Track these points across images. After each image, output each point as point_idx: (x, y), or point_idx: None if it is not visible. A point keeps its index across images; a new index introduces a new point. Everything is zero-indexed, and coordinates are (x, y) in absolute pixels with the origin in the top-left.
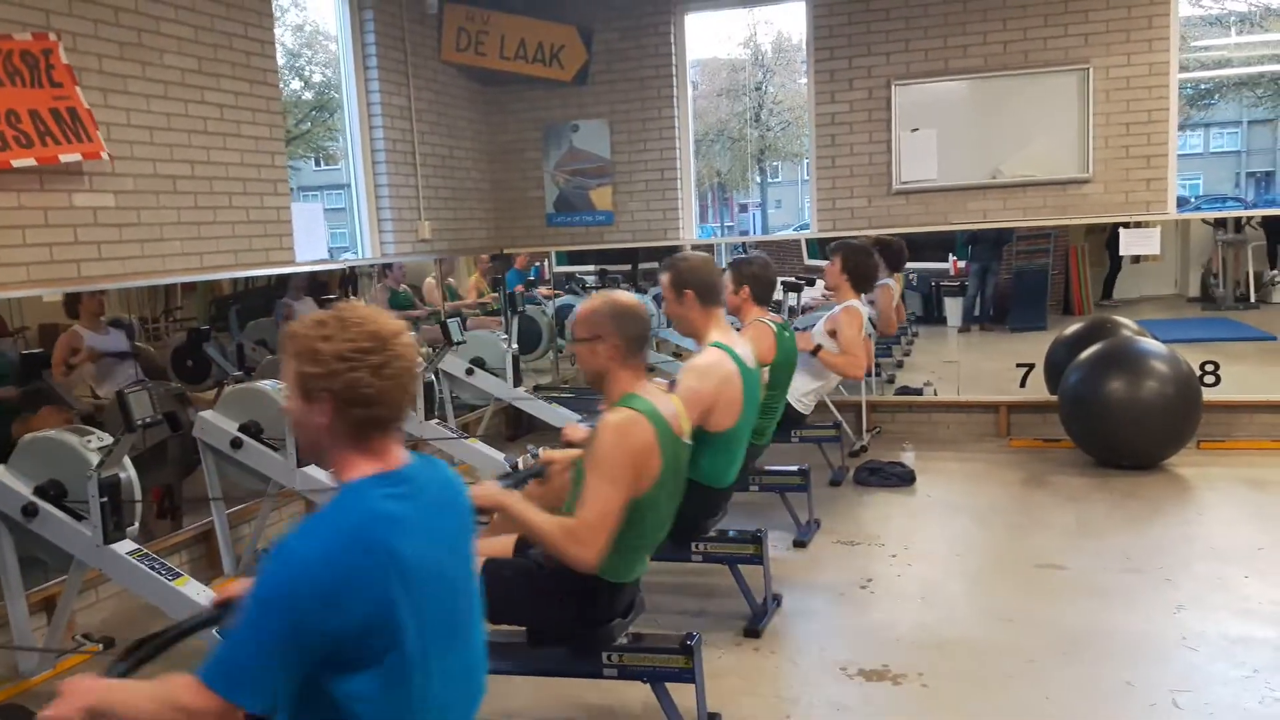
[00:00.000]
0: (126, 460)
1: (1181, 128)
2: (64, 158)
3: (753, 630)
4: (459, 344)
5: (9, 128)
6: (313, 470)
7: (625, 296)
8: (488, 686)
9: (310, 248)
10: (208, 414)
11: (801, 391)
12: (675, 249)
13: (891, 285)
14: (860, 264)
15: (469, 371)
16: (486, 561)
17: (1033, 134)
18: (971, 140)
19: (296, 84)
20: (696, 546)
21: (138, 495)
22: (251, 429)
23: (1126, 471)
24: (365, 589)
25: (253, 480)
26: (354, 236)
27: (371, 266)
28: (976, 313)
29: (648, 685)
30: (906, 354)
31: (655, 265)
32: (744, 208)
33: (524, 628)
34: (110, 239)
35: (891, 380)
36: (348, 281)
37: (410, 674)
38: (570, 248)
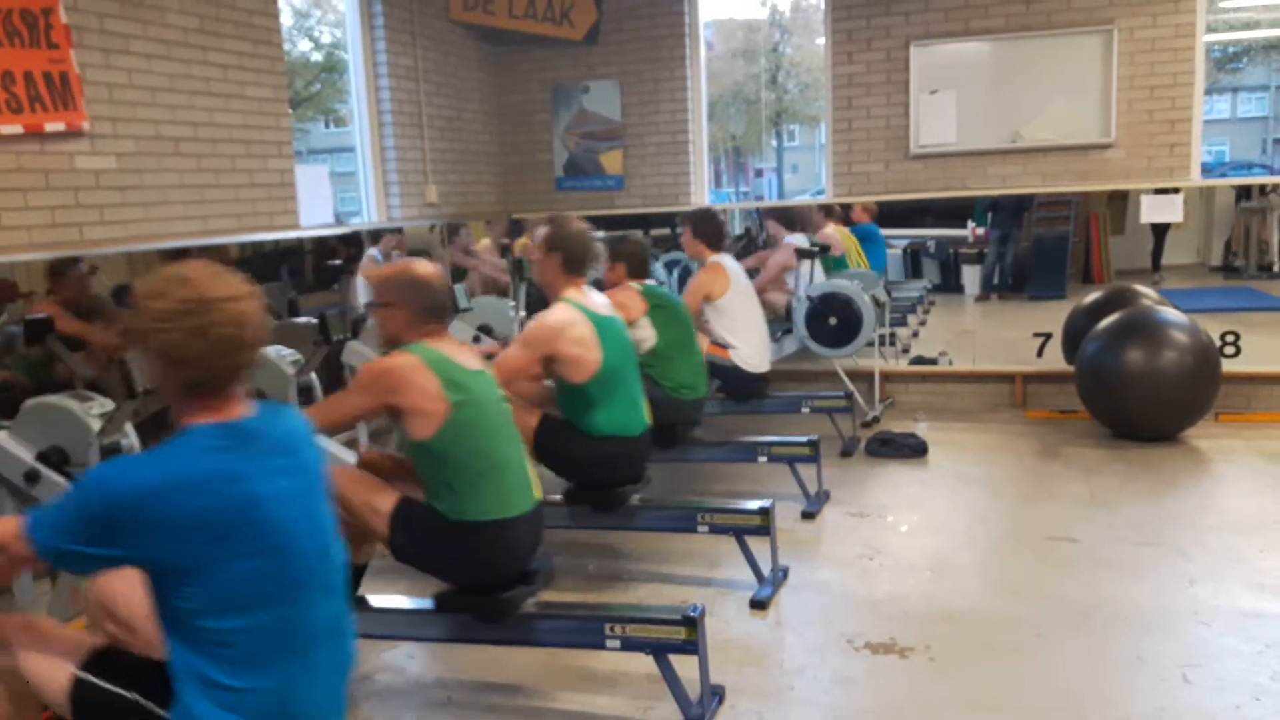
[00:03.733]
0: (129, 427)
1: (1208, 92)
2: (49, 126)
3: (759, 602)
4: (464, 310)
5: (3, 91)
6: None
7: (422, 266)
8: (473, 667)
9: (316, 211)
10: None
11: (733, 350)
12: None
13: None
14: (708, 225)
15: (476, 339)
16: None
17: (1054, 97)
18: (991, 103)
19: (306, 45)
20: (703, 518)
21: None
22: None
23: (1143, 444)
24: (184, 519)
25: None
26: (361, 200)
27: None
28: (996, 281)
29: (651, 657)
30: (923, 323)
31: (668, 231)
32: (759, 172)
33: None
34: (112, 202)
35: (906, 350)
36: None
37: (250, 606)
38: (580, 212)
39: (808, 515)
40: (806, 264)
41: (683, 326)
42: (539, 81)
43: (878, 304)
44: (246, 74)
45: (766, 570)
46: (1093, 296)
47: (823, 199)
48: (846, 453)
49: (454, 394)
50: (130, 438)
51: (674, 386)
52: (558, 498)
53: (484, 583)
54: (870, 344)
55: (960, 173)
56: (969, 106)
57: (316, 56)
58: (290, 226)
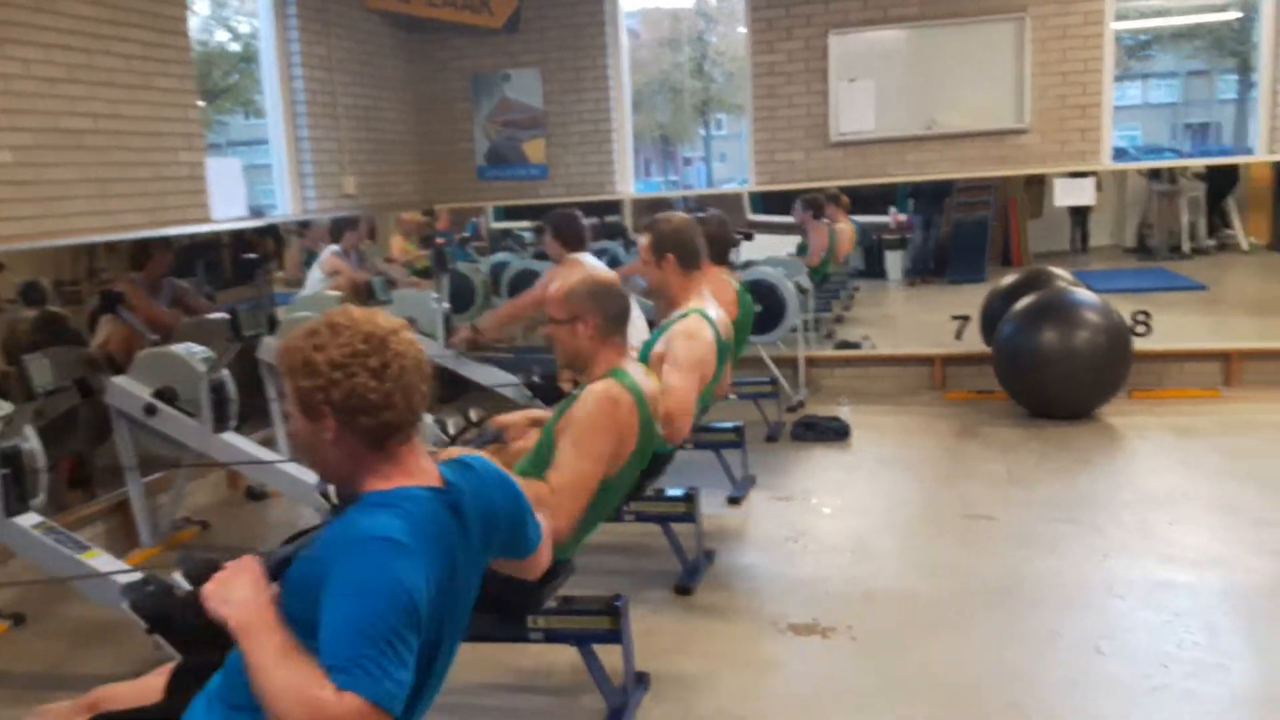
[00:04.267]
0: (29, 430)
1: (1119, 79)
2: None
3: (684, 588)
4: (384, 303)
5: None
6: (231, 436)
7: (603, 273)
8: None
9: (229, 204)
10: (120, 380)
11: None
12: (614, 204)
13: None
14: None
15: None
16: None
17: (970, 84)
18: (909, 91)
19: (223, 35)
20: (629, 506)
21: (42, 465)
22: (167, 395)
23: (1059, 422)
24: (431, 568)
25: (169, 448)
26: (277, 192)
27: (298, 224)
28: (924, 265)
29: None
30: (846, 308)
31: (597, 220)
32: (688, 161)
33: None
34: (8, 197)
35: (830, 335)
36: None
37: (429, 663)
38: (500, 202)
39: (734, 500)
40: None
41: (745, 336)
42: (458, 70)
43: (801, 290)
44: (152, 64)
45: (692, 556)
46: (1009, 279)
47: (747, 188)
48: (772, 438)
49: (642, 437)
50: (31, 441)
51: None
52: None
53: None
54: (795, 330)
55: (879, 160)
56: (887, 94)
57: (235, 46)
58: (202, 220)
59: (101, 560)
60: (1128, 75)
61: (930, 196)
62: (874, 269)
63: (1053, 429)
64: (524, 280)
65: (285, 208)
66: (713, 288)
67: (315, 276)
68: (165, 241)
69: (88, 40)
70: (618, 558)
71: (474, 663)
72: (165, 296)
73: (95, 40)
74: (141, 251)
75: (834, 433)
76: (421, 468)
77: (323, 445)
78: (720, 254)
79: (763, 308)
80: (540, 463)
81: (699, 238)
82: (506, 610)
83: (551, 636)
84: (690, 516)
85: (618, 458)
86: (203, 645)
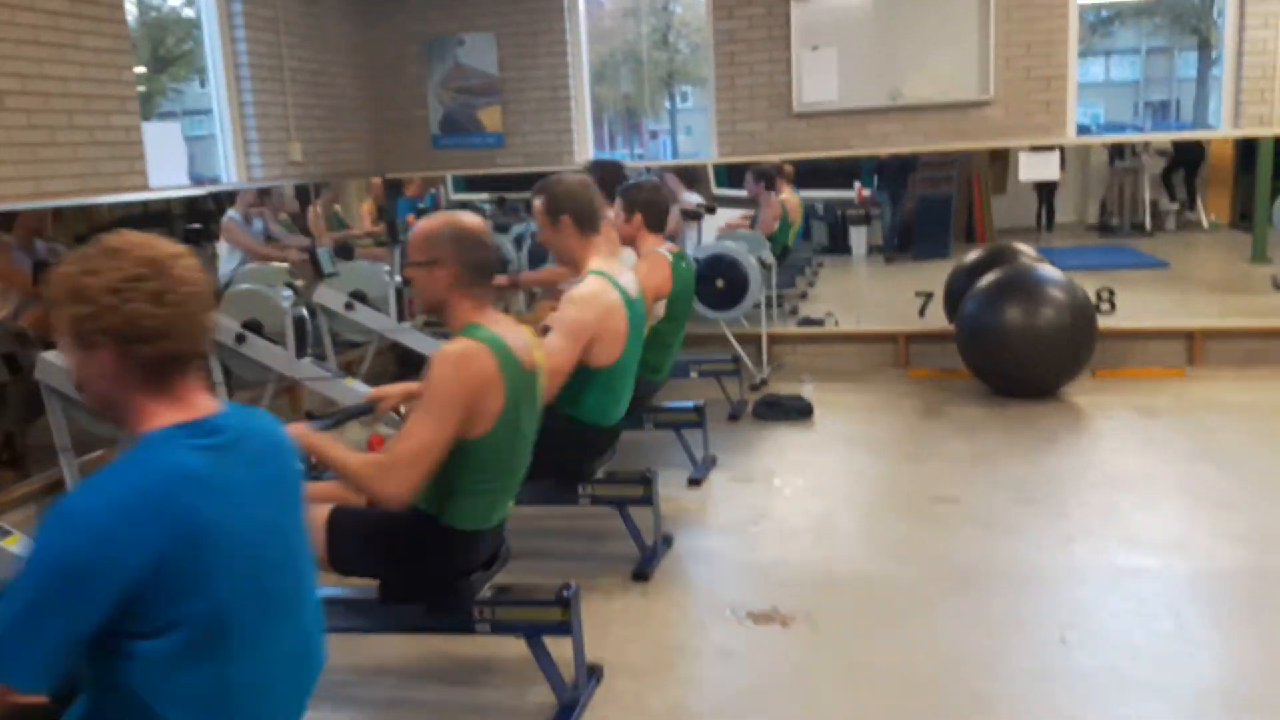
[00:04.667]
0: None
1: (1082, 55)
2: None
3: (641, 574)
4: (329, 276)
5: None
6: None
7: (468, 218)
8: (328, 653)
9: (169, 171)
10: (50, 355)
11: None
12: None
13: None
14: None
15: (348, 306)
16: (333, 509)
17: (934, 53)
18: (872, 60)
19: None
20: (584, 489)
21: None
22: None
23: (1023, 401)
24: (152, 557)
25: (104, 427)
26: (220, 160)
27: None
28: (895, 241)
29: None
30: (811, 284)
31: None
32: (654, 134)
33: (376, 581)
34: None
35: (794, 311)
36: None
37: (215, 652)
38: (458, 171)
39: (694, 482)
40: (693, 226)
41: (683, 311)
42: (410, 34)
43: (764, 266)
44: (82, 21)
45: (650, 540)
46: (973, 255)
47: (711, 159)
48: (734, 416)
49: (510, 395)
50: None
51: (642, 365)
52: None
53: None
54: (757, 306)
55: (842, 132)
56: (850, 63)
57: (189, 12)
58: (138, 188)
59: (22, 545)
60: (1091, 51)
61: (896, 171)
62: (838, 245)
63: (1017, 408)
64: None
65: (230, 175)
66: (647, 259)
67: (222, 247)
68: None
69: None
70: (574, 542)
71: (415, 653)
72: (37, 258)
73: None
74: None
75: (797, 411)
76: (200, 404)
77: (98, 379)
78: (656, 222)
79: (725, 283)
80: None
81: (597, 199)
82: (439, 600)
83: (498, 627)
84: (647, 499)
85: (479, 416)
86: None
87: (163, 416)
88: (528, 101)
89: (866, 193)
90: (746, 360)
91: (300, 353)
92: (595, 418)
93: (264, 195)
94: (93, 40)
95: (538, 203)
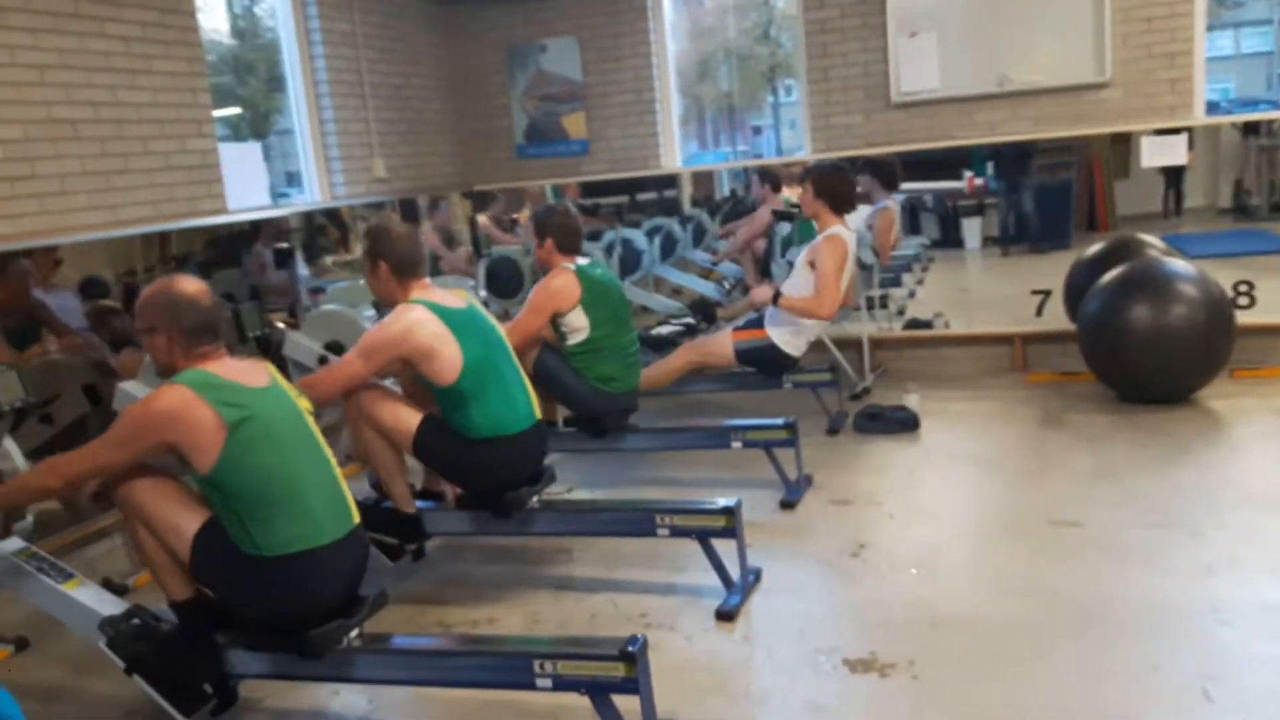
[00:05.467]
0: (9, 446)
1: (1210, 29)
2: None
3: (725, 613)
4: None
5: None
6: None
7: (183, 283)
8: None
9: (249, 192)
10: (128, 385)
11: (785, 334)
12: (670, 178)
13: (891, 207)
14: (834, 185)
15: (321, 359)
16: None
17: (1043, 35)
18: (976, 45)
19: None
20: (662, 519)
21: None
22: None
23: (1152, 406)
24: None
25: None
26: (304, 177)
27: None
28: (1012, 233)
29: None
30: (920, 282)
31: (655, 196)
32: (758, 130)
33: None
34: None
35: (902, 312)
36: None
37: None
38: (544, 181)
39: (786, 505)
40: (786, 227)
41: (618, 314)
42: (492, 42)
43: (862, 266)
44: (153, 46)
45: (736, 574)
46: (1095, 248)
47: (803, 156)
48: (833, 430)
49: (230, 414)
50: (13, 458)
51: (598, 379)
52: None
53: (288, 621)
54: (857, 309)
55: (946, 121)
56: (952, 49)
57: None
58: (217, 211)
59: (84, 592)
60: (1218, 24)
61: (1014, 159)
62: (950, 238)
63: (1146, 415)
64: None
65: (313, 193)
66: (559, 280)
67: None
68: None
69: (78, 23)
70: (656, 571)
71: (476, 709)
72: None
73: (87, 22)
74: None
75: (901, 424)
76: None
77: None
78: (569, 245)
79: None
80: None
81: (419, 249)
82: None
83: (560, 684)
84: (731, 531)
85: (189, 447)
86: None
87: None
88: (612, 106)
89: (979, 182)
90: (847, 368)
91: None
92: (485, 431)
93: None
94: (165, 64)
95: (362, 247)
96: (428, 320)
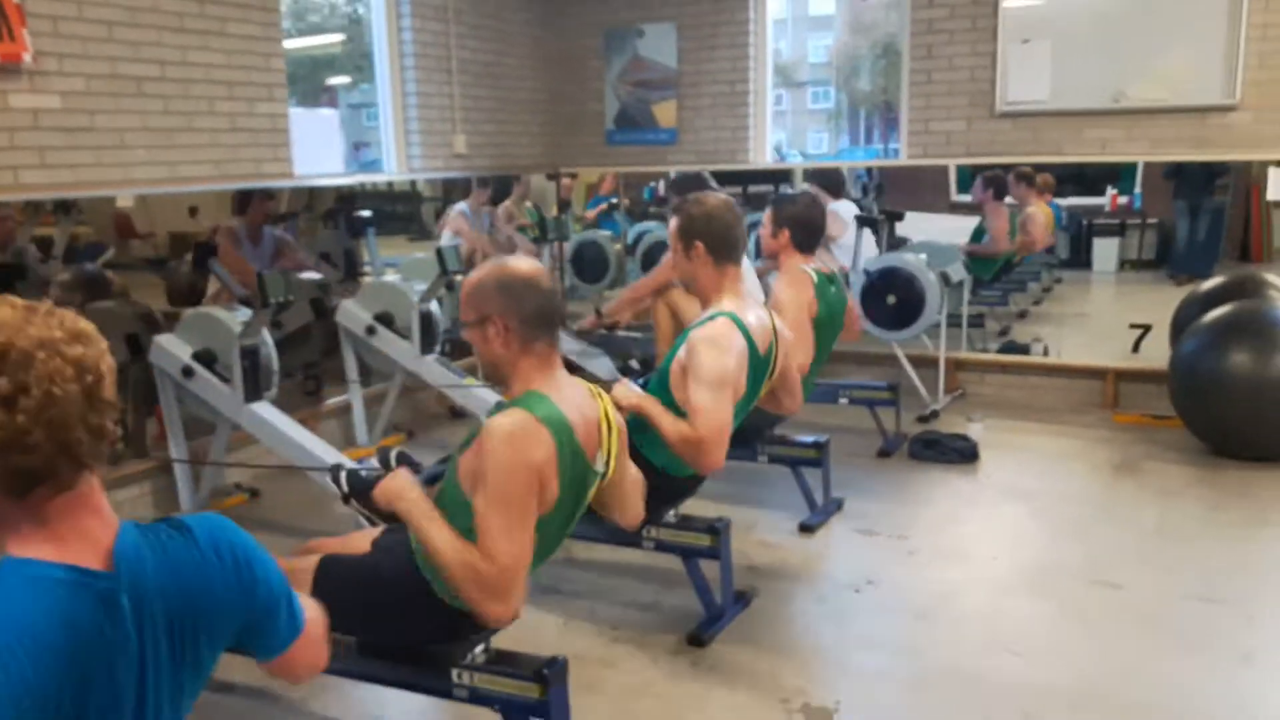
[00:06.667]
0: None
1: None
2: None
3: (697, 638)
4: (451, 273)
5: None
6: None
7: (520, 263)
8: None
9: (322, 159)
10: (164, 338)
11: None
12: (785, 172)
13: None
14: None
15: (370, 329)
16: (322, 559)
17: (1168, 50)
18: (1093, 56)
19: None
20: (648, 532)
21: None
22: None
23: (1242, 464)
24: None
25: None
26: (383, 149)
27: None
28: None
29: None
30: (1036, 302)
31: (740, 189)
32: None
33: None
34: (55, 144)
35: (1004, 333)
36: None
37: None
38: (629, 169)
39: (805, 529)
40: (866, 234)
41: (826, 344)
42: (590, 24)
43: (948, 282)
44: (229, 9)
45: (719, 598)
46: (1211, 283)
47: (899, 161)
48: (885, 453)
49: (569, 476)
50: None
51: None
52: None
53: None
54: (938, 326)
55: (1053, 135)
56: (1065, 59)
57: None
58: (282, 175)
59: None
60: None
61: (1198, 177)
62: (1081, 259)
63: (1233, 472)
64: (657, 252)
65: (390, 166)
66: (790, 279)
67: (444, 237)
68: (265, 190)
69: None
70: (646, 584)
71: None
72: (266, 248)
73: None
74: (241, 199)
75: (958, 454)
76: (81, 532)
77: None
78: (807, 242)
79: (897, 300)
80: (450, 506)
81: (739, 225)
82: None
83: (476, 697)
84: (715, 552)
85: (542, 499)
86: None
87: (27, 546)
88: (704, 97)
89: (1122, 200)
90: (920, 386)
91: (425, 349)
92: (676, 469)
93: (480, 186)
94: (239, 28)
95: (672, 224)
96: (744, 355)
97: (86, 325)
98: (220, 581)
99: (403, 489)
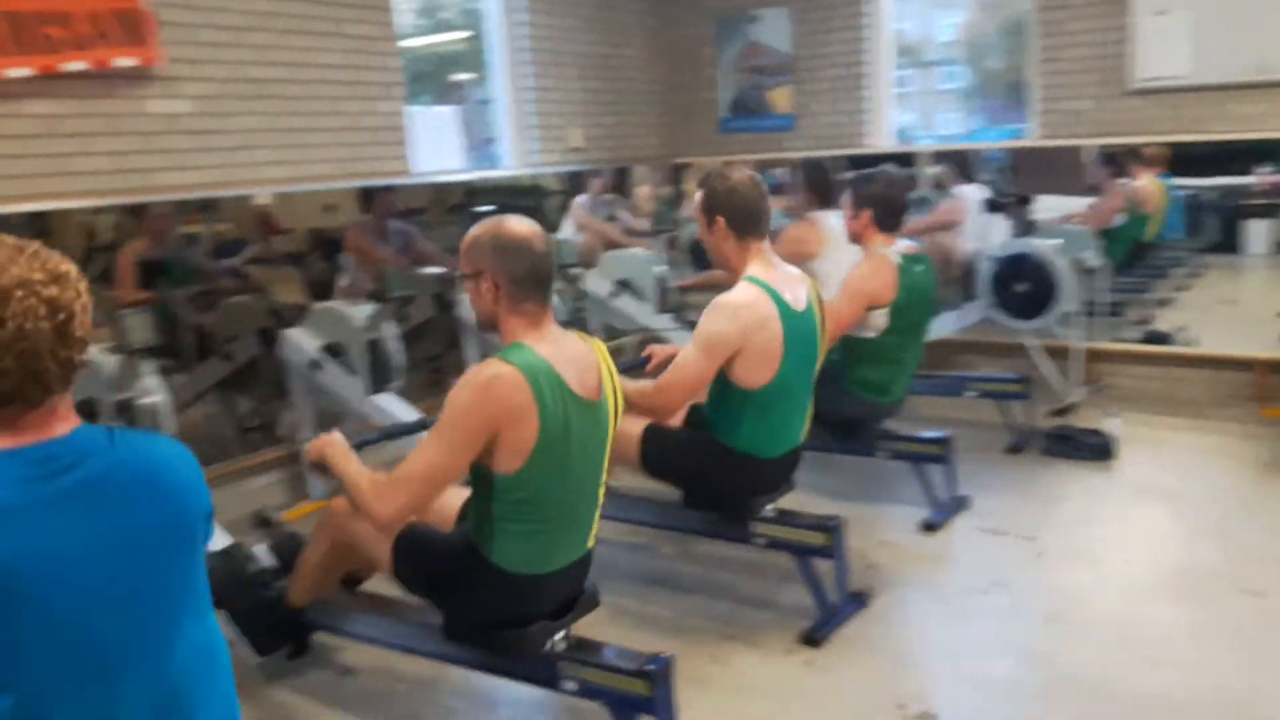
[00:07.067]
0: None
1: None
2: (117, 62)
3: (811, 638)
4: (565, 267)
5: (60, 29)
6: None
7: (515, 224)
8: None
9: (440, 156)
10: (293, 332)
11: None
12: (908, 156)
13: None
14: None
15: (613, 294)
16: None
17: None
18: (1236, 25)
19: None
20: (755, 529)
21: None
22: None
23: None
24: None
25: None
26: (501, 145)
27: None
28: None
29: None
30: (1180, 288)
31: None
32: None
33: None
34: (188, 147)
35: (1146, 322)
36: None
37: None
38: (746, 156)
39: (928, 527)
40: (997, 219)
41: (919, 323)
42: (703, 11)
43: (1084, 269)
44: (346, 10)
45: (833, 598)
46: None
47: (1027, 141)
48: (1016, 448)
49: (549, 422)
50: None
51: (858, 381)
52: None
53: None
54: (1072, 314)
55: (1193, 112)
56: (1205, 31)
57: None
58: (400, 173)
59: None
60: None
61: None
62: (1230, 242)
63: None
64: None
65: (508, 161)
66: (871, 264)
67: (567, 229)
68: (386, 186)
69: None
70: (755, 581)
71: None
72: (394, 241)
73: None
74: (365, 194)
75: (1091, 449)
76: (41, 428)
77: None
78: (888, 221)
79: (1028, 287)
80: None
81: (761, 200)
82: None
83: (585, 689)
84: (829, 552)
85: (504, 450)
86: None
87: None
88: (820, 81)
89: (1276, 179)
90: (1055, 377)
91: None
92: (752, 448)
93: (594, 176)
94: (355, 28)
95: (695, 199)
96: (770, 317)
97: (69, 267)
98: (185, 471)
99: (328, 439)
